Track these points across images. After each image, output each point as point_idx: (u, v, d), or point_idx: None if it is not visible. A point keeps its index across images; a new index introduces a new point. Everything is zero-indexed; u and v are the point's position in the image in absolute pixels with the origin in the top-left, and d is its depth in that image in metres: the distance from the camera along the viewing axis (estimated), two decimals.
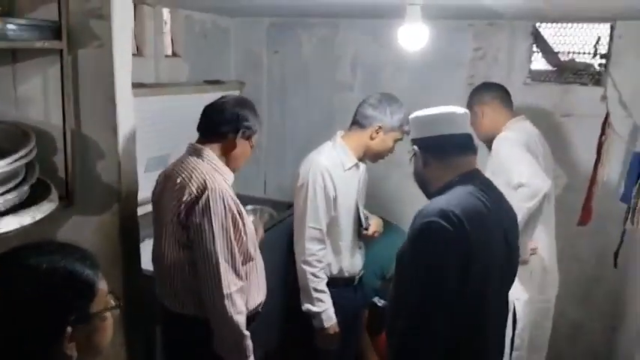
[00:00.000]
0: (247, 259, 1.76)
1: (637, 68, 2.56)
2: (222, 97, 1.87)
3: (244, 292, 1.71)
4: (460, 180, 1.53)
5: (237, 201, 1.73)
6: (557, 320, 2.52)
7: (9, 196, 1.34)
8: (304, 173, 2.16)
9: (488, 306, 1.51)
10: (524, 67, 2.83)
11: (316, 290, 2.14)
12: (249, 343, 1.70)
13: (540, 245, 2.33)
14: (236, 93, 2.98)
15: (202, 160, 1.72)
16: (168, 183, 1.73)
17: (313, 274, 2.13)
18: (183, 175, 1.68)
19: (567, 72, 2.78)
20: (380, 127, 2.16)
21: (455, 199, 1.48)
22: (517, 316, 2.26)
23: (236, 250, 1.66)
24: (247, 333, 1.70)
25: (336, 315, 2.17)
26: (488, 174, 2.24)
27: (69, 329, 0.94)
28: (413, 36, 2.20)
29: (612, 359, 2.79)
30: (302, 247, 2.14)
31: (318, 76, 3.29)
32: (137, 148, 2.40)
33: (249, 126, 1.78)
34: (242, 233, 1.70)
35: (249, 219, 1.81)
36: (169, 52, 2.92)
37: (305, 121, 3.35)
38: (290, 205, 2.45)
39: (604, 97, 2.60)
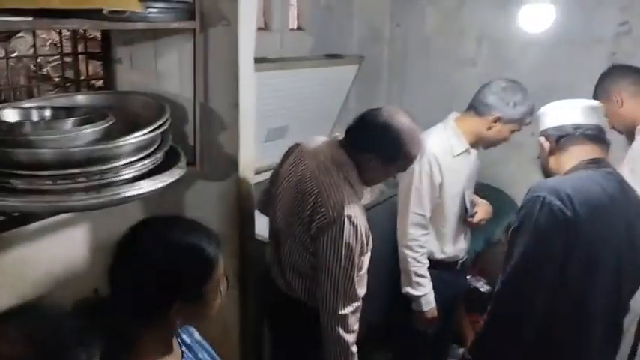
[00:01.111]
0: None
1: None
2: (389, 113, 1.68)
3: (359, 310, 1.70)
4: (584, 166, 1.51)
5: (367, 225, 1.67)
6: None
7: (146, 162, 1.51)
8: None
9: (594, 298, 1.46)
10: None
11: (417, 274, 2.14)
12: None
13: None
14: (355, 68, 3.02)
15: (342, 174, 1.66)
16: (305, 180, 1.68)
17: (414, 259, 2.13)
18: (322, 187, 1.63)
19: None
20: (499, 118, 2.06)
21: (570, 179, 1.48)
22: None
23: (356, 274, 1.64)
24: (355, 350, 1.69)
25: (436, 298, 2.17)
26: (626, 170, 2.08)
27: (177, 304, 1.03)
28: (537, 16, 2.05)
29: None
30: (404, 232, 2.14)
31: (441, 51, 3.20)
32: (258, 119, 2.59)
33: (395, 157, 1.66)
34: (365, 255, 1.68)
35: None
36: (295, 26, 3.03)
37: (424, 97, 3.29)
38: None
39: None
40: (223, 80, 1.75)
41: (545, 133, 1.63)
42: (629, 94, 2.10)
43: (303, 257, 1.70)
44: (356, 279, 1.64)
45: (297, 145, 1.84)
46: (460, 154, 2.14)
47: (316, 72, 2.75)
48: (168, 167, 1.59)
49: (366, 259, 1.73)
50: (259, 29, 2.78)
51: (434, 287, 2.17)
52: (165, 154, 1.65)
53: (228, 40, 1.70)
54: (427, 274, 2.16)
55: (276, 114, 2.71)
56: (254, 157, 1.92)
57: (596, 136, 1.55)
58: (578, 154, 1.54)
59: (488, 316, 1.59)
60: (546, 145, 1.62)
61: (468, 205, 2.21)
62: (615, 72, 2.19)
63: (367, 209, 2.84)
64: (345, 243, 1.58)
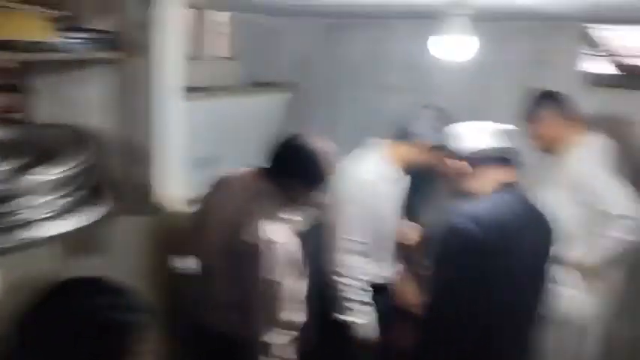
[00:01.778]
0: None
1: None
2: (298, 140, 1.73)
3: (292, 340, 1.70)
4: (496, 190, 1.58)
5: (299, 251, 1.68)
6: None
7: (62, 200, 1.44)
8: (343, 184, 2.10)
9: (504, 315, 1.53)
10: (583, 70, 2.70)
11: (348, 300, 2.13)
12: None
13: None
14: (286, 96, 3.05)
15: (268, 201, 1.67)
16: (232, 210, 1.68)
17: (346, 285, 2.12)
18: (249, 216, 1.63)
19: (630, 77, 2.63)
20: (432, 146, 2.11)
21: (483, 205, 1.55)
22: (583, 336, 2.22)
23: (289, 303, 1.64)
24: None
25: (381, 322, 2.18)
26: (551, 186, 2.20)
27: None
28: (461, 48, 2.15)
29: None
30: (336, 258, 2.13)
31: (370, 79, 3.29)
32: (190, 149, 2.55)
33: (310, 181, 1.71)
34: (296, 278, 1.67)
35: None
36: (225, 55, 3.03)
37: (355, 125, 3.35)
38: None
39: None
40: (148, 111, 1.72)
41: (459, 155, 1.67)
42: (555, 118, 2.26)
43: (236, 289, 1.67)
44: (290, 306, 1.64)
45: (221, 178, 1.82)
46: (392, 179, 2.18)
47: (247, 100, 2.76)
48: (87, 205, 1.53)
49: (301, 286, 1.72)
50: (191, 58, 2.77)
51: (378, 312, 2.17)
52: (86, 191, 1.59)
53: (151, 71, 1.67)
54: (358, 298, 2.14)
55: (208, 143, 2.68)
56: (180, 189, 1.88)
57: (510, 159, 1.61)
58: (492, 177, 1.60)
59: (416, 348, 1.61)
60: (460, 168, 1.66)
61: (401, 230, 2.24)
62: (542, 97, 2.35)
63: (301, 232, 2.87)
64: (276, 270, 1.58)
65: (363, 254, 2.14)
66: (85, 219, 1.48)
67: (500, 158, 1.61)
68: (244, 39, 3.04)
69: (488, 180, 1.60)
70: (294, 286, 1.65)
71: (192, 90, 2.36)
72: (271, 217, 1.64)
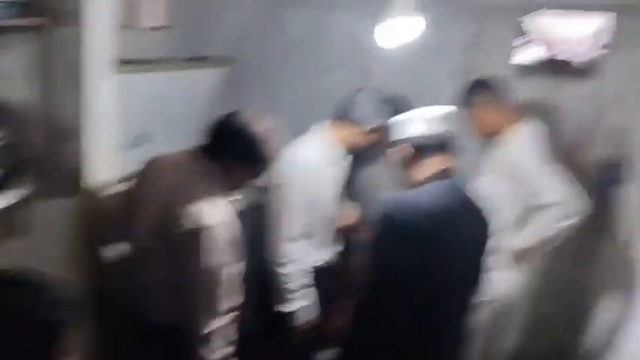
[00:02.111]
0: None
1: (630, 62, 2.52)
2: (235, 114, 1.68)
3: (231, 324, 1.66)
4: (432, 178, 1.61)
5: (237, 233, 1.61)
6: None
7: None
8: (284, 170, 2.07)
9: (442, 302, 1.57)
10: (518, 56, 2.79)
11: (288, 290, 2.12)
12: None
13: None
14: (222, 70, 2.93)
15: (205, 184, 1.59)
16: (167, 192, 1.59)
17: (289, 274, 2.10)
18: (186, 197, 1.55)
19: (561, 64, 2.74)
20: (374, 128, 2.13)
21: (418, 193, 1.57)
22: (502, 312, 2.32)
23: (227, 287, 1.58)
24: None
25: (319, 304, 2.19)
26: (488, 172, 2.26)
27: None
28: (406, 29, 2.15)
29: (575, 352, 2.83)
30: (278, 247, 2.10)
31: (309, 57, 3.22)
32: (121, 125, 2.40)
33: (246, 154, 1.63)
34: (233, 262, 1.62)
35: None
36: (160, 24, 2.85)
37: (293, 102, 3.29)
38: None
39: (596, 92, 2.56)
40: (74, 85, 1.59)
41: (400, 143, 1.69)
42: (492, 105, 2.31)
43: (171, 276, 1.60)
44: (224, 290, 1.58)
45: (153, 160, 1.72)
46: (334, 162, 2.17)
47: (181, 75, 2.63)
48: (8, 185, 1.41)
49: (237, 269, 1.66)
50: (123, 27, 2.58)
51: (317, 296, 2.17)
52: (6, 169, 1.46)
53: (78, 40, 1.54)
54: (300, 286, 2.14)
55: (140, 119, 2.53)
56: (110, 169, 1.76)
57: (445, 145, 1.64)
58: (430, 166, 1.63)
59: (351, 329, 1.63)
60: (401, 155, 1.68)
61: (342, 211, 2.25)
62: (479, 84, 2.39)
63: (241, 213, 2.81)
64: (215, 252, 1.52)
65: (306, 238, 2.13)
66: (5, 200, 1.36)
67: (437, 145, 1.63)
68: (182, 8, 2.87)
69: (425, 167, 1.63)
70: (234, 270, 1.60)
71: (123, 62, 2.23)
72: (209, 199, 1.56)
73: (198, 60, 2.77)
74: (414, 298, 1.52)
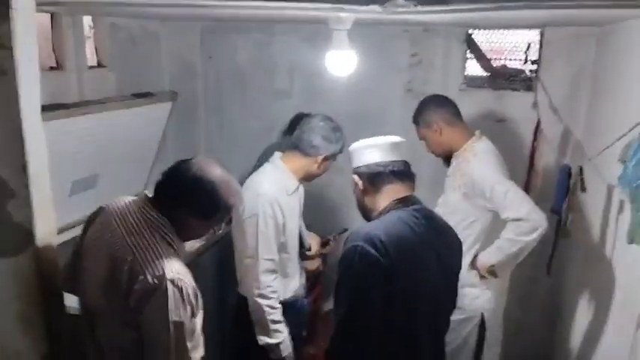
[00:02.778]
0: None
1: (566, 74, 2.63)
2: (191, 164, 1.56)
3: None
4: (394, 206, 1.60)
5: (194, 285, 1.52)
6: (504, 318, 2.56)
7: None
8: (251, 204, 2.04)
9: (418, 327, 1.55)
10: (459, 72, 2.87)
11: (274, 322, 2.08)
12: None
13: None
14: (168, 105, 2.86)
15: (157, 235, 1.49)
16: (114, 247, 1.49)
17: (270, 306, 2.07)
18: (135, 252, 1.45)
19: (500, 78, 2.83)
20: (326, 157, 2.14)
21: (383, 224, 1.55)
22: (486, 326, 2.31)
23: (187, 343, 1.47)
24: None
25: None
26: (448, 190, 2.28)
27: None
28: (341, 62, 2.18)
29: (553, 355, 2.89)
30: (255, 281, 2.06)
31: (256, 83, 3.21)
32: (60, 172, 2.29)
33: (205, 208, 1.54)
34: (197, 317, 1.53)
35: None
36: (94, 63, 2.75)
37: (244, 130, 3.27)
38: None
39: (535, 103, 2.65)
40: (5, 138, 1.48)
41: (357, 171, 1.69)
42: (447, 123, 2.27)
43: (125, 335, 1.49)
44: (189, 345, 1.49)
45: (101, 209, 1.62)
46: (293, 192, 2.16)
47: (125, 114, 2.53)
48: None
49: (199, 320, 1.59)
50: (51, 69, 2.48)
51: (290, 328, 2.14)
52: None
53: (7, 93, 1.44)
54: (282, 318, 2.11)
55: (82, 164, 2.42)
56: (53, 222, 1.66)
57: (403, 172, 1.64)
58: (388, 193, 1.62)
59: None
60: (360, 184, 1.68)
61: (305, 240, 2.24)
62: (432, 102, 2.34)
63: (198, 255, 2.72)
64: (172, 310, 1.42)
65: (272, 271, 2.09)
66: None
67: (395, 172, 1.63)
68: (115, 44, 2.79)
69: (384, 195, 1.62)
70: (195, 323, 1.51)
71: (55, 107, 2.13)
72: (163, 251, 1.47)
73: (142, 96, 2.68)
74: (387, 331, 1.49)
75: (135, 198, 1.61)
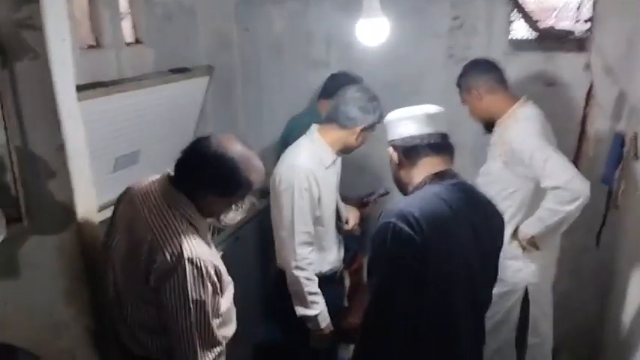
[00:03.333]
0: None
1: (621, 33, 2.43)
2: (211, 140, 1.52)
3: (223, 355, 1.57)
4: (430, 180, 1.54)
5: (217, 262, 1.53)
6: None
7: None
8: (287, 176, 2.04)
9: (454, 306, 1.50)
10: (504, 35, 2.70)
11: (310, 293, 2.09)
12: None
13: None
14: (205, 79, 2.86)
15: (177, 213, 1.49)
16: (136, 226, 1.50)
17: (307, 278, 2.07)
18: (155, 231, 1.45)
19: (549, 39, 2.65)
20: (364, 128, 2.08)
21: (418, 200, 1.49)
22: (530, 300, 2.26)
23: (211, 318, 1.49)
24: None
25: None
26: (492, 158, 2.20)
27: None
28: (372, 30, 2.09)
29: (603, 328, 2.79)
30: (292, 253, 2.06)
31: (292, 53, 3.16)
32: (103, 149, 2.34)
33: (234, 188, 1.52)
34: (218, 295, 1.53)
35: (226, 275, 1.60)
36: (131, 40, 2.77)
37: (282, 100, 3.24)
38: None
39: (587, 65, 2.47)
40: (43, 120, 1.51)
41: (393, 144, 1.63)
42: (487, 89, 2.19)
43: (150, 313, 1.51)
44: (213, 323, 1.50)
45: (127, 190, 1.63)
46: (330, 165, 2.13)
47: (163, 89, 2.54)
48: None
49: (227, 297, 1.60)
50: (89, 47, 2.51)
51: (328, 301, 2.14)
52: None
53: (40, 74, 1.46)
54: (318, 290, 2.11)
55: (124, 140, 2.46)
56: (93, 200, 1.70)
57: (440, 145, 1.57)
58: (424, 167, 1.56)
59: (356, 346, 1.58)
60: (395, 157, 1.62)
61: (342, 213, 2.21)
62: (475, 68, 2.26)
63: (240, 227, 2.76)
64: (191, 289, 1.42)
65: (309, 244, 2.08)
66: None
67: (431, 145, 1.56)
68: (152, 20, 2.79)
69: (420, 169, 1.56)
70: (219, 302, 1.52)
71: (95, 86, 2.16)
72: (182, 230, 1.47)
73: (179, 72, 2.68)
74: (421, 311, 1.45)
75: (158, 177, 1.61)
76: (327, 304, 2.15)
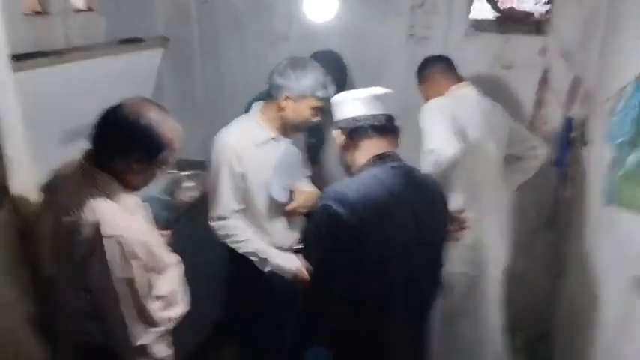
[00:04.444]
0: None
1: (579, 17, 2.45)
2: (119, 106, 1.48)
3: (165, 336, 1.54)
4: (371, 163, 1.53)
5: (148, 239, 1.48)
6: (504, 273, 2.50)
7: None
8: (214, 147, 2.05)
9: (389, 289, 1.51)
10: (464, 16, 2.68)
11: (239, 242, 2.08)
12: None
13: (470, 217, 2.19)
14: (160, 51, 2.76)
15: (94, 191, 1.44)
16: (59, 207, 1.45)
17: (237, 241, 2.07)
18: (74, 213, 1.40)
19: (509, 20, 2.64)
20: (287, 96, 1.98)
21: (355, 182, 1.49)
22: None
23: (147, 296, 1.46)
24: None
25: (276, 294, 2.13)
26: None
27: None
28: (321, 5, 2.04)
29: (555, 307, 2.87)
30: (217, 224, 2.09)
31: (253, 28, 3.07)
32: (48, 122, 2.24)
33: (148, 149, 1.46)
34: (150, 271, 1.48)
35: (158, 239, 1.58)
36: (82, 7, 2.64)
37: (242, 75, 3.16)
38: None
39: (544, 49, 2.49)
40: None
41: (338, 125, 1.61)
42: (433, 81, 2.31)
43: (81, 297, 1.46)
44: (147, 302, 1.47)
45: (53, 174, 1.57)
46: (262, 143, 2.06)
47: (113, 60, 2.45)
48: None
49: (170, 277, 1.56)
50: (36, 13, 2.38)
51: (275, 282, 2.11)
52: None
53: None
54: (260, 244, 2.09)
55: (71, 114, 2.35)
56: (31, 177, 1.62)
57: (385, 127, 1.55)
58: (367, 150, 1.54)
59: (298, 317, 1.61)
60: (340, 139, 1.60)
61: (275, 195, 2.09)
62: (426, 63, 2.37)
63: (192, 205, 2.70)
64: (114, 267, 1.38)
65: (241, 220, 2.08)
66: None
67: (375, 127, 1.54)
68: None
69: (363, 152, 1.55)
70: (146, 279, 1.47)
71: (38, 55, 2.06)
72: (100, 208, 1.42)
73: (131, 42, 2.58)
74: (358, 294, 1.46)
75: (79, 157, 1.54)
76: (281, 287, 2.12)
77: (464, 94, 2.26)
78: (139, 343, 1.45)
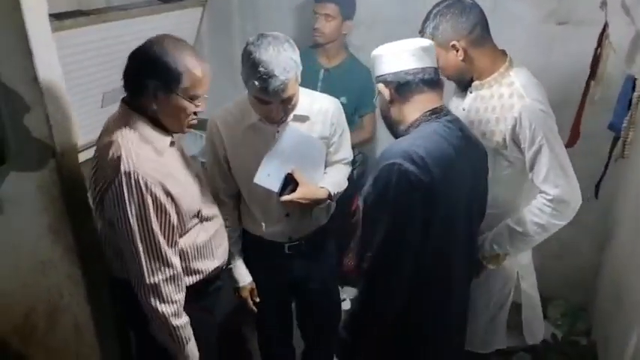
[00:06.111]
0: (183, 231, 1.60)
1: None
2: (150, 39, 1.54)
3: (177, 279, 1.56)
4: (426, 118, 1.45)
5: (162, 178, 1.50)
6: (546, 240, 2.38)
7: None
8: (211, 129, 1.92)
9: (455, 245, 1.48)
10: None
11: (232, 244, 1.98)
12: (183, 332, 1.58)
13: None
14: (199, 10, 2.71)
15: (123, 132, 1.50)
16: (98, 146, 1.56)
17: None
18: (100, 154, 1.51)
19: None
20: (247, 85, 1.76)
21: (419, 138, 1.40)
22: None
23: (160, 238, 1.50)
24: (179, 322, 1.57)
25: (265, 284, 2.09)
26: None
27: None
28: None
29: (599, 279, 2.77)
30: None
31: None
32: (90, 83, 2.25)
33: (167, 78, 1.47)
34: (170, 213, 1.51)
35: (185, 186, 1.60)
36: None
37: (282, 32, 3.08)
38: None
39: (604, 3, 2.30)
40: (13, 52, 1.43)
41: (383, 80, 1.51)
42: (471, 42, 1.67)
43: (112, 233, 1.55)
44: (163, 241, 1.51)
45: (105, 124, 1.65)
46: (252, 124, 1.86)
47: (151, 20, 2.41)
48: None
49: (207, 229, 1.64)
50: None
51: (262, 272, 2.07)
52: None
53: (9, 3, 1.36)
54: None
55: (111, 74, 2.34)
56: (74, 136, 1.64)
57: (433, 81, 1.47)
58: (419, 104, 1.46)
59: (361, 294, 1.48)
60: (386, 93, 1.50)
61: (259, 180, 1.84)
62: (452, 12, 1.66)
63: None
64: (129, 201, 1.44)
65: (235, 201, 2.03)
66: None
67: (425, 80, 1.45)
68: None
69: (414, 106, 1.46)
70: (165, 218, 1.52)
71: (76, 15, 2.05)
72: (131, 147, 1.48)
73: (172, 1, 2.54)
74: (424, 252, 1.40)
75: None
76: (272, 278, 2.09)
77: (540, 87, 1.73)
78: (150, 281, 1.50)
